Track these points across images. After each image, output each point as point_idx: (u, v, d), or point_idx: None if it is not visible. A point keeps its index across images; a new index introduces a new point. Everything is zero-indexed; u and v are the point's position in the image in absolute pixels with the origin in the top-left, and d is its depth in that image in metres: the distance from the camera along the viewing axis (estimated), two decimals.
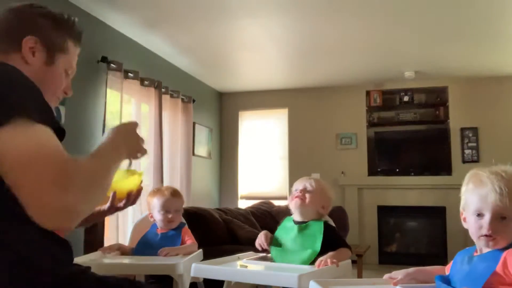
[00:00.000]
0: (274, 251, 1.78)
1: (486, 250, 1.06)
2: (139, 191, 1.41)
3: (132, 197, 1.40)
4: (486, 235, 1.03)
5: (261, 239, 1.82)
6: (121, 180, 1.36)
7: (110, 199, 1.38)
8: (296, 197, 1.82)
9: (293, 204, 1.83)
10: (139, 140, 1.15)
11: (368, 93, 5.85)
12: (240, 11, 3.59)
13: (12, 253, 0.81)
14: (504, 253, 0.99)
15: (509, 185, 1.02)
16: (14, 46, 1.04)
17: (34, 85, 0.92)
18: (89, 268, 1.01)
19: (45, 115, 0.88)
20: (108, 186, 0.98)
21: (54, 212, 0.79)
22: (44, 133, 0.85)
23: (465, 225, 1.11)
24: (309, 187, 1.82)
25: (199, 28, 3.93)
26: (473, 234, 1.07)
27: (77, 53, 1.17)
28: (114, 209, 1.41)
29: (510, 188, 1.02)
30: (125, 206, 1.41)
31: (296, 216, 1.84)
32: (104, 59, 3.65)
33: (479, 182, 1.06)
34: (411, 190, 5.53)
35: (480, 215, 1.05)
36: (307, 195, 1.80)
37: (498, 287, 0.97)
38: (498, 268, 0.98)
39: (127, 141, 1.10)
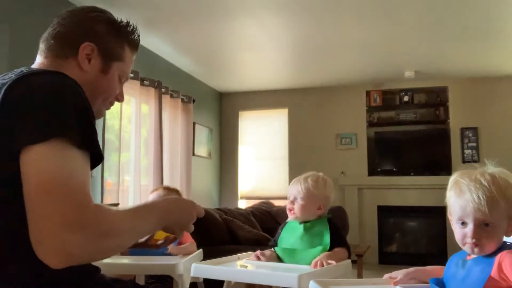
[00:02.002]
0: (281, 251, 1.76)
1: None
2: (175, 237, 1.34)
3: (168, 241, 1.33)
4: (471, 243, 1.03)
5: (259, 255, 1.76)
6: None
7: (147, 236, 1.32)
8: (289, 209, 1.79)
9: (288, 215, 1.82)
10: (190, 221, 1.06)
11: (368, 93, 5.85)
12: (240, 11, 3.59)
13: (23, 249, 0.80)
14: (498, 257, 0.99)
15: (488, 193, 1.00)
16: (71, 51, 1.02)
17: (85, 103, 0.89)
18: (98, 269, 1.01)
19: (88, 139, 0.86)
20: (125, 246, 0.92)
21: (49, 249, 0.76)
22: (80, 164, 0.83)
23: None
24: (298, 196, 1.76)
25: (199, 28, 3.93)
26: (458, 241, 1.07)
27: (133, 58, 1.15)
28: (146, 245, 1.34)
29: (489, 196, 1.00)
30: (159, 246, 1.34)
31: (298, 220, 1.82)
32: None
33: (459, 190, 1.05)
34: (411, 190, 5.53)
35: (463, 223, 1.05)
36: (297, 207, 1.75)
37: None
38: (493, 273, 0.98)
39: (177, 217, 1.03)
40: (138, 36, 1.15)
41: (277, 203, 4.91)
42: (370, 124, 5.85)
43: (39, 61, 1.05)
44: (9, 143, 0.80)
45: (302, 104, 6.06)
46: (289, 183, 1.88)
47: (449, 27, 3.94)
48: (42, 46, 1.06)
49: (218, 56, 4.75)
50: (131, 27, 1.12)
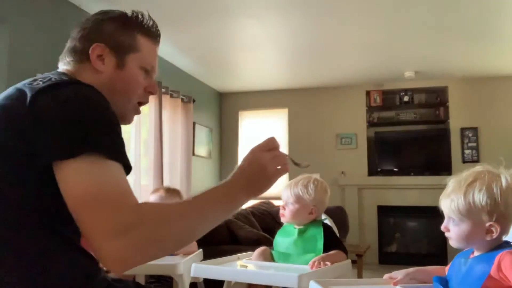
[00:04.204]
0: (276, 255, 1.77)
1: (478, 252, 1.07)
2: None
3: None
4: None
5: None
6: None
7: None
8: (281, 214, 1.78)
9: (281, 219, 1.81)
10: (276, 175, 0.97)
11: (368, 93, 5.85)
12: (240, 11, 3.59)
13: (34, 264, 0.82)
14: (497, 256, 0.99)
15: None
16: (84, 57, 1.03)
17: (112, 114, 0.89)
18: (101, 269, 1.01)
19: (117, 151, 0.86)
20: (191, 239, 0.88)
21: (105, 258, 0.78)
22: (113, 173, 0.83)
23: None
24: (288, 201, 1.75)
25: (199, 28, 3.93)
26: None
27: (154, 47, 1.11)
28: None
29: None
30: None
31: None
32: None
33: None
34: (411, 190, 5.53)
35: None
36: (287, 212, 1.75)
37: None
38: (493, 272, 0.98)
39: (257, 178, 0.95)
40: (153, 22, 1.11)
41: (277, 203, 4.91)
42: (370, 124, 5.85)
43: (62, 68, 1.06)
44: (31, 154, 0.81)
45: (302, 104, 6.06)
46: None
47: (449, 27, 3.94)
48: (60, 63, 1.07)
49: (218, 56, 4.75)
50: (138, 16, 1.10)
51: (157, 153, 4.28)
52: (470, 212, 1.04)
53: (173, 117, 4.78)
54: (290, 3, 3.45)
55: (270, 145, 0.97)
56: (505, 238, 1.07)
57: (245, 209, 4.29)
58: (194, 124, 5.30)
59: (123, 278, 1.17)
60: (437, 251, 5.37)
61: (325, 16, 3.70)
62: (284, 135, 6.11)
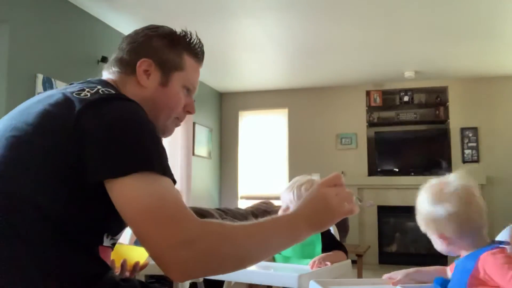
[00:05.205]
0: (276, 257, 1.77)
1: (466, 253, 1.09)
2: (145, 264, 1.30)
3: (137, 268, 1.29)
4: None
5: None
6: (132, 249, 1.30)
7: (120, 268, 1.28)
8: None
9: None
10: (340, 213, 0.96)
11: (368, 93, 5.86)
12: (240, 11, 3.59)
13: (53, 266, 0.82)
14: (480, 257, 1.01)
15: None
16: (130, 69, 1.04)
17: (156, 130, 0.91)
18: (108, 268, 1.01)
19: (166, 166, 0.88)
20: (249, 262, 0.88)
21: (168, 266, 0.80)
22: (168, 188, 0.85)
23: None
24: (290, 205, 1.74)
25: (199, 28, 3.90)
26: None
27: (198, 67, 1.14)
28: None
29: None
30: (131, 276, 1.30)
31: None
32: (104, 59, 3.65)
33: None
34: (411, 190, 5.49)
35: None
36: None
37: None
38: (475, 272, 1.00)
39: (320, 212, 0.95)
40: (199, 43, 1.13)
41: (277, 203, 4.91)
42: (370, 124, 5.85)
43: (107, 76, 1.07)
44: (73, 167, 0.82)
45: (302, 104, 6.06)
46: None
47: (449, 27, 3.94)
48: (105, 72, 1.09)
49: (218, 56, 4.75)
50: (188, 36, 1.11)
51: None
52: (424, 226, 1.15)
53: None
54: (290, 4, 3.45)
55: (335, 181, 1.00)
56: (500, 238, 1.08)
57: (245, 209, 4.29)
58: (194, 124, 5.30)
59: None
60: (437, 251, 5.36)
61: (325, 16, 3.70)
62: (284, 135, 6.11)
